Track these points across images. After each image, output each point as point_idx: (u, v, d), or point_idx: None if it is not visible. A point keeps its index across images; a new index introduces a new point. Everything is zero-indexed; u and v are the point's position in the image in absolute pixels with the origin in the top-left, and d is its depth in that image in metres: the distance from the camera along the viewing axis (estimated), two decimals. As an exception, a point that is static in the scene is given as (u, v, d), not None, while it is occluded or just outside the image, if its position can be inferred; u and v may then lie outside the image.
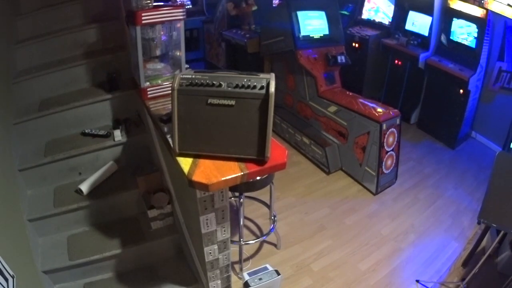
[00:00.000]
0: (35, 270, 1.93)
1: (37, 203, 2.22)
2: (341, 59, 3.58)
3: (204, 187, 1.33)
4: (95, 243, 2.19)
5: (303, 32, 3.58)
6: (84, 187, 2.27)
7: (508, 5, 3.23)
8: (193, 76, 1.36)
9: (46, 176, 2.33)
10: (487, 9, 3.43)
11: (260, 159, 1.39)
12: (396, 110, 3.18)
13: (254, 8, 4.60)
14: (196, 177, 1.34)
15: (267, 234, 2.59)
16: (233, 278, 2.23)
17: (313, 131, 3.74)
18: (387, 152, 3.16)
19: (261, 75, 1.35)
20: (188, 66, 2.24)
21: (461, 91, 3.72)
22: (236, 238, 2.35)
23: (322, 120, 3.65)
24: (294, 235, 2.79)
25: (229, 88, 1.33)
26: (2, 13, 2.43)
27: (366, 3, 4.72)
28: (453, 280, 2.43)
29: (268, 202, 2.61)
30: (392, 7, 4.38)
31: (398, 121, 3.17)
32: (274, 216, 2.63)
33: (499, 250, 2.53)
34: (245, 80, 1.33)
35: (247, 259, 2.57)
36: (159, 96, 2.08)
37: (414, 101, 4.37)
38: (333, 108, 3.49)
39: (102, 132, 2.45)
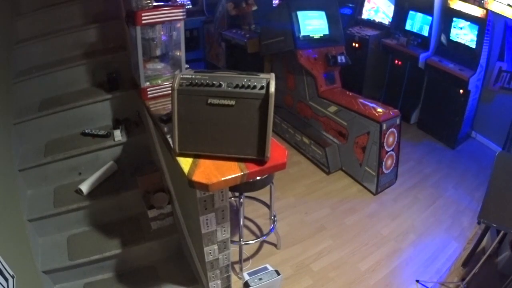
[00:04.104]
0: (35, 270, 1.93)
1: (37, 203, 2.22)
2: (341, 59, 3.58)
3: (204, 187, 1.33)
4: (95, 243, 2.19)
5: (303, 32, 3.58)
6: (84, 187, 2.27)
7: (508, 5, 3.23)
8: (193, 76, 1.36)
9: (46, 176, 2.33)
10: (487, 9, 3.43)
11: (260, 159, 1.39)
12: (396, 110, 3.18)
13: (254, 8, 4.60)
14: (196, 177, 1.33)
15: (267, 234, 2.59)
16: (233, 278, 2.23)
17: (313, 131, 3.74)
18: (387, 152, 3.16)
19: (261, 75, 1.35)
20: (188, 66, 2.23)
21: (461, 91, 3.72)
22: (236, 238, 2.35)
23: (322, 120, 3.65)
24: (294, 235, 2.79)
25: (229, 88, 1.33)
26: (2, 13, 2.43)
27: (366, 3, 4.72)
28: (453, 280, 2.43)
29: (268, 202, 2.61)
30: (392, 7, 4.39)
31: (398, 121, 3.17)
32: (274, 216, 2.63)
33: (499, 250, 2.53)
34: (245, 80, 1.33)
35: (247, 259, 2.57)
36: (159, 96, 2.08)
37: (414, 101, 4.37)
38: (333, 108, 3.49)
39: (102, 132, 2.45)
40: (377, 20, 4.62)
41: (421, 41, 4.07)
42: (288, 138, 3.99)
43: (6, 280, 1.43)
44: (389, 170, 3.27)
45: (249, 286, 2.00)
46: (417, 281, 2.42)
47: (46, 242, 2.19)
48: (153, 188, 2.29)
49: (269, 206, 2.59)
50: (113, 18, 2.66)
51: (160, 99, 2.06)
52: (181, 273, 2.22)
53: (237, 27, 4.64)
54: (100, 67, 2.57)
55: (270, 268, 2.11)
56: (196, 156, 1.43)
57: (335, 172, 3.55)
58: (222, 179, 1.34)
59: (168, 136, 1.61)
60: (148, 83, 2.08)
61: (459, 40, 3.82)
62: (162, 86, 2.09)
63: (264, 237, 2.64)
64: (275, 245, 2.69)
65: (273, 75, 1.35)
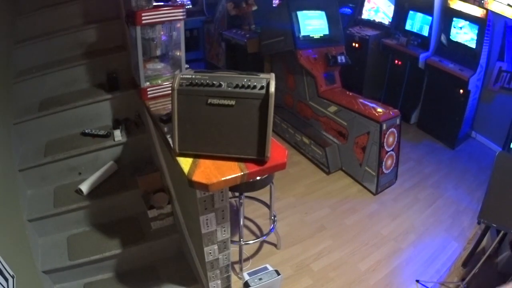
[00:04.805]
0: (35, 270, 1.93)
1: (37, 203, 2.22)
2: (341, 59, 3.58)
3: (204, 187, 1.33)
4: (95, 243, 2.19)
5: (303, 32, 3.58)
6: (84, 187, 2.27)
7: (508, 5, 3.23)
8: (193, 76, 1.36)
9: (46, 176, 2.33)
10: (487, 9, 3.43)
11: (260, 159, 1.39)
12: (396, 110, 3.18)
13: (254, 8, 4.60)
14: (196, 177, 1.34)
15: (267, 234, 2.59)
16: (233, 278, 2.23)
17: (313, 131, 3.74)
18: (387, 152, 3.16)
19: (261, 75, 1.35)
20: (188, 66, 2.24)
21: (461, 91, 3.73)
22: (236, 238, 2.35)
23: (322, 120, 3.65)
24: (294, 235, 2.79)
25: (229, 88, 1.33)
26: (2, 13, 2.43)
27: (366, 3, 4.72)
28: (453, 280, 2.43)
29: (268, 202, 2.61)
30: (392, 7, 4.39)
31: (398, 121, 3.17)
32: (274, 216, 2.63)
33: (499, 250, 2.53)
34: (245, 80, 1.33)
35: (247, 259, 2.57)
36: (159, 96, 2.08)
37: (414, 101, 4.37)
38: (333, 108, 3.49)
39: (102, 132, 2.45)
40: (377, 20, 4.62)
41: (421, 41, 4.07)
42: (288, 138, 3.99)
43: (6, 280, 1.43)
44: (389, 170, 3.27)
45: (249, 286, 2.00)
46: (417, 281, 2.42)
47: (46, 242, 2.19)
48: (153, 188, 2.29)
49: (269, 206, 2.59)
50: (113, 18, 2.66)
51: (160, 99, 2.06)
52: (181, 273, 2.22)
53: (237, 27, 4.64)
54: (100, 67, 2.57)
55: (270, 268, 2.11)
56: (196, 156, 1.43)
57: (335, 172, 3.55)
58: (222, 179, 1.34)
59: (168, 136, 1.61)
60: (148, 83, 2.08)
61: (459, 40, 3.82)
62: (162, 86, 2.09)
63: (264, 237, 2.64)
64: (275, 245, 2.69)
65: (273, 75, 1.35)
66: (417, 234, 2.84)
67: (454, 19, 3.80)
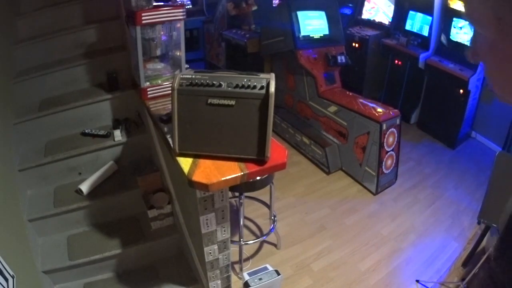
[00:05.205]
0: (35, 270, 1.93)
1: (37, 203, 2.22)
2: (341, 59, 3.57)
3: (204, 187, 1.33)
4: (95, 243, 2.19)
5: (303, 32, 3.58)
6: (84, 187, 2.27)
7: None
8: (193, 76, 1.36)
9: (46, 176, 2.33)
10: (487, 9, 3.42)
11: (260, 159, 1.39)
12: (396, 110, 3.18)
13: (254, 8, 4.60)
14: (196, 177, 1.33)
15: (267, 234, 2.59)
16: (233, 278, 2.23)
17: (313, 131, 3.74)
18: (387, 152, 3.16)
19: (261, 75, 1.35)
20: (188, 66, 2.24)
21: (461, 91, 3.72)
22: (236, 238, 2.35)
23: (322, 120, 3.65)
24: (294, 235, 2.79)
25: (229, 88, 1.33)
26: (2, 13, 2.43)
27: (366, 3, 4.72)
28: (453, 280, 2.43)
29: (268, 202, 2.61)
30: (392, 7, 4.39)
31: (398, 121, 3.17)
32: (274, 216, 2.63)
33: (499, 250, 2.53)
34: (245, 80, 1.33)
35: (247, 259, 2.57)
36: (159, 96, 2.08)
37: (414, 101, 4.37)
38: (333, 108, 3.49)
39: (102, 132, 2.45)
40: (377, 20, 4.62)
41: (421, 41, 4.07)
42: (288, 138, 3.99)
43: (6, 280, 1.43)
44: (389, 170, 3.27)
45: (249, 286, 2.00)
46: (417, 281, 2.42)
47: (46, 242, 2.19)
48: (153, 188, 2.29)
49: (269, 206, 2.59)
50: (113, 18, 2.66)
51: (160, 99, 2.06)
52: (181, 273, 2.22)
53: (237, 27, 4.64)
54: (100, 67, 2.57)
55: (270, 268, 2.11)
56: (196, 156, 1.43)
57: (335, 172, 3.55)
58: (222, 179, 1.34)
59: (168, 136, 1.61)
60: (148, 83, 2.08)
61: (459, 40, 3.81)
62: (162, 86, 2.09)
63: (264, 237, 2.64)
64: (275, 245, 2.69)
65: (273, 75, 1.35)
66: (417, 234, 2.84)
67: (454, 19, 3.80)
